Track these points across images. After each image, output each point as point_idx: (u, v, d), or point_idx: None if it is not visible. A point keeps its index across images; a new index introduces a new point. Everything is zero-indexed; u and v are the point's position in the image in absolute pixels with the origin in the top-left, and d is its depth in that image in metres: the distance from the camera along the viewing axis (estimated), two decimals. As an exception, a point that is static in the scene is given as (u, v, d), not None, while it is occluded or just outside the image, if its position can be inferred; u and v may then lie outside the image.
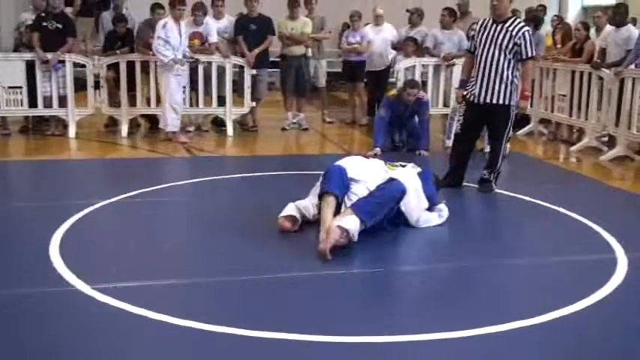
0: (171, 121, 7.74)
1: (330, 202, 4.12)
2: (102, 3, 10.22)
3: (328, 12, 9.69)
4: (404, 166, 4.77)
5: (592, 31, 8.94)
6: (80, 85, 8.20)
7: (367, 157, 4.83)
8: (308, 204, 4.43)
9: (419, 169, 4.80)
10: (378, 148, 7.16)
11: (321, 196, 4.23)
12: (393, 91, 7.64)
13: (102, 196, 5.06)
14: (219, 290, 3.47)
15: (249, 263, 3.81)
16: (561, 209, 5.07)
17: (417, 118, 7.45)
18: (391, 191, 4.23)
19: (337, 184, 4.18)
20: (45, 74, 7.89)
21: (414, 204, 4.48)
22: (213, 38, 8.36)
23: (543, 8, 10.80)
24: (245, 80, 8.49)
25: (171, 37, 7.55)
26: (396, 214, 4.38)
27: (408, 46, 8.79)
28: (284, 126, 9.01)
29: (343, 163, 4.44)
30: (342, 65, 9.89)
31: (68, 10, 9.32)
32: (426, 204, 4.62)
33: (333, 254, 3.80)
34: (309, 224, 4.36)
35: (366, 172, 4.38)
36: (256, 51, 8.41)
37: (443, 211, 4.73)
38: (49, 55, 7.79)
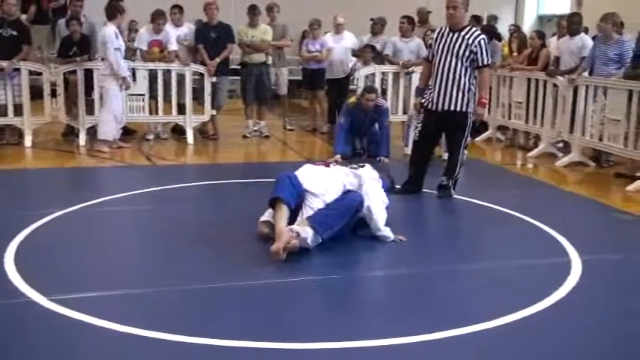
0: (109, 130, 7.66)
1: (282, 209, 4.11)
2: (58, 10, 10.04)
3: (289, 20, 9.72)
4: (362, 167, 4.78)
5: (554, 39, 9.15)
6: (36, 93, 8.06)
7: (328, 164, 4.82)
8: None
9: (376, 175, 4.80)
10: (338, 156, 7.20)
11: (271, 204, 4.24)
12: (353, 99, 7.70)
13: (59, 205, 4.98)
14: (176, 299, 3.44)
15: (205, 271, 3.80)
16: (518, 214, 5.17)
17: (377, 125, 7.52)
18: (349, 203, 4.24)
19: (285, 190, 4.17)
20: (0, 82, 7.75)
21: (378, 207, 4.42)
22: (173, 46, 8.34)
23: (494, 17, 11.04)
24: (205, 88, 8.46)
25: (121, 46, 7.68)
26: (356, 223, 4.40)
27: (366, 53, 8.89)
28: (245, 134, 8.99)
29: (300, 172, 4.42)
30: (302, 73, 9.93)
31: (23, 17, 9.15)
32: (385, 202, 4.59)
33: (288, 259, 3.82)
34: None
35: (324, 185, 4.33)
36: (217, 60, 8.39)
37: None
38: (4, 63, 7.64)
